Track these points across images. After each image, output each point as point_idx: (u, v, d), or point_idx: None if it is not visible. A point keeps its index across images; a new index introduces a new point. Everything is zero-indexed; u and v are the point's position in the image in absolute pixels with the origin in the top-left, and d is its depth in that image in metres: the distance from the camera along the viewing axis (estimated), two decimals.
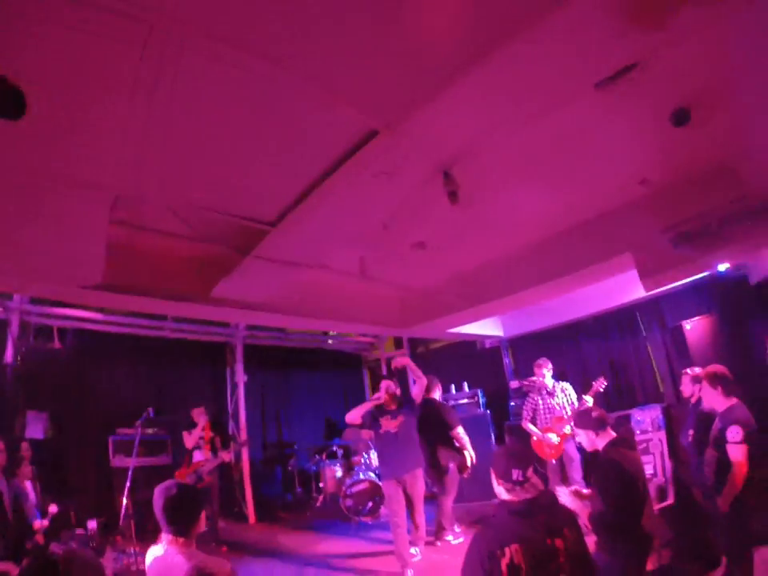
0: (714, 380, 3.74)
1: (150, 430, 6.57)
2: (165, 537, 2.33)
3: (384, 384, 5.68)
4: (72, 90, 2.36)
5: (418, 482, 5.42)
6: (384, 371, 10.97)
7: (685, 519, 3.95)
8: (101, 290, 4.26)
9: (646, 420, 4.95)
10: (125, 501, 5.47)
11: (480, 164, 3.41)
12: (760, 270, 5.84)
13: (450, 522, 6.07)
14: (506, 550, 2.15)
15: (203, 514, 2.45)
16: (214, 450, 6.81)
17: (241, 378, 8.99)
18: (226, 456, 6.76)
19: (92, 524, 5.74)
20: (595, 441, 3.31)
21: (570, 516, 2.43)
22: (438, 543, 5.89)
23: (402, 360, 5.99)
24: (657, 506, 3.99)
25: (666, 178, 4.05)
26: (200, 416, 6.92)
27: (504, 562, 2.13)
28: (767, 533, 3.44)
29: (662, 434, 4.75)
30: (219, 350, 9.28)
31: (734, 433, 3.44)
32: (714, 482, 3.62)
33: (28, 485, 5.25)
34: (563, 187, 4.05)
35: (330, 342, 10.95)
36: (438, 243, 4.72)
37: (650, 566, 3.10)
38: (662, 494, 4.31)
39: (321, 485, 8.59)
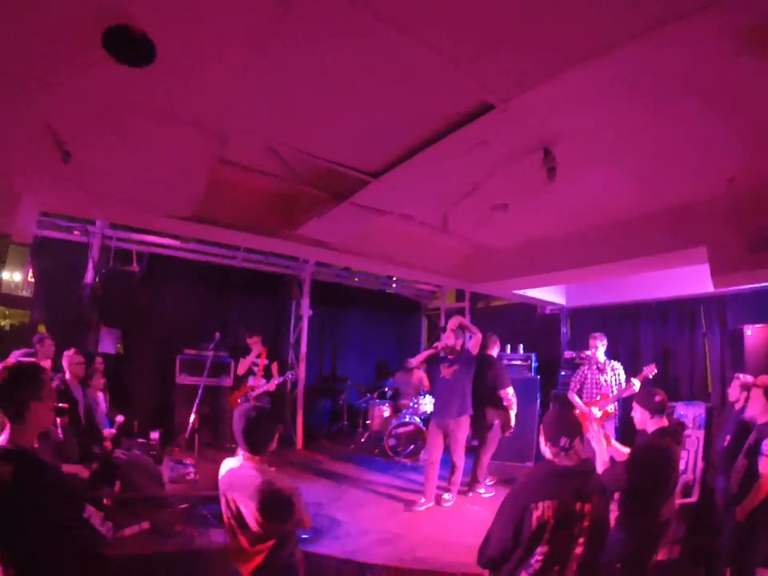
0: None
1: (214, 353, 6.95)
2: (242, 453, 2.62)
3: (445, 335, 6.07)
4: (195, 38, 2.45)
5: (460, 428, 5.80)
6: (442, 322, 11.00)
7: (701, 521, 4.00)
8: (190, 221, 4.60)
9: (689, 416, 4.98)
10: (192, 416, 5.82)
11: (573, 143, 3.45)
12: None
13: (483, 476, 6.38)
14: (540, 504, 2.36)
15: (277, 436, 2.71)
16: (268, 377, 7.12)
17: (306, 311, 9.25)
18: (271, 385, 7.01)
19: (154, 434, 6.16)
20: (648, 422, 3.38)
21: (601, 486, 2.60)
22: (470, 494, 6.21)
23: (457, 320, 6.16)
24: (679, 501, 4.08)
25: (754, 181, 3.93)
26: (255, 344, 7.22)
27: (536, 515, 2.35)
28: None
29: (701, 434, 4.78)
30: (284, 282, 9.49)
31: None
32: (738, 492, 3.59)
33: (100, 395, 5.67)
34: (647, 173, 3.99)
35: (393, 285, 11.07)
36: (518, 208, 4.78)
37: (660, 556, 3.24)
38: (686, 491, 4.40)
39: (368, 422, 8.92)
